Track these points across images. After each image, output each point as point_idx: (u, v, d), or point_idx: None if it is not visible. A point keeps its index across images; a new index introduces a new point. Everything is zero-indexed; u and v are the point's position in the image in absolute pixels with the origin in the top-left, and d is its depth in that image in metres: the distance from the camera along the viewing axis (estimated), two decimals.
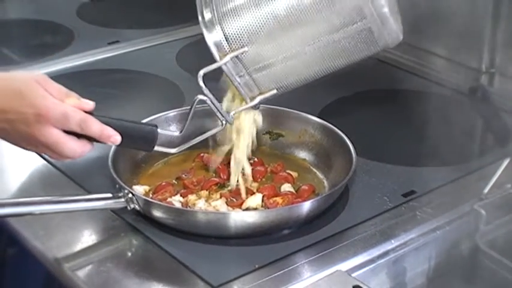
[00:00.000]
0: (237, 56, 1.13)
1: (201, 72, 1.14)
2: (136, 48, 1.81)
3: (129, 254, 1.12)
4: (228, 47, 1.13)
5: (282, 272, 1.06)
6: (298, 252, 1.10)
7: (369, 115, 1.50)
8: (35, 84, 1.07)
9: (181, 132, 1.20)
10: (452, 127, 1.43)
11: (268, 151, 1.34)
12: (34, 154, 1.33)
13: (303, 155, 1.32)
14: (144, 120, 1.27)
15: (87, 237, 1.15)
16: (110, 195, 1.15)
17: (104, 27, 1.94)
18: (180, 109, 1.35)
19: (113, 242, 1.14)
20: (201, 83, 1.14)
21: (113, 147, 1.22)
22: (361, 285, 1.02)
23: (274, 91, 1.17)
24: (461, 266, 1.20)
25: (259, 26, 1.12)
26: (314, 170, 1.30)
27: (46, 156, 1.33)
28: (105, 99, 1.46)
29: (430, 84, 1.61)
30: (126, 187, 1.15)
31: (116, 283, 1.06)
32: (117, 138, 1.11)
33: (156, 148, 1.16)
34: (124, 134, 1.11)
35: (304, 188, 1.23)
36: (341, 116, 1.45)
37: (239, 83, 1.15)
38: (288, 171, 1.28)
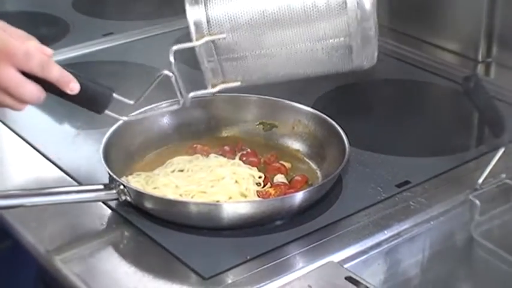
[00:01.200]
0: (213, 41, 1.11)
1: (174, 48, 1.12)
2: (132, 39, 1.80)
3: (121, 245, 1.12)
4: (207, 29, 1.11)
5: (273, 263, 1.06)
6: (290, 243, 1.09)
7: (363, 105, 1.49)
8: None
9: (136, 101, 1.17)
10: (446, 117, 1.42)
11: (262, 142, 1.33)
12: (27, 146, 1.33)
13: (296, 145, 1.32)
14: (139, 111, 1.25)
15: (79, 229, 1.15)
16: (101, 186, 1.14)
17: (99, 18, 1.93)
18: (175, 100, 1.33)
19: (105, 233, 1.13)
20: (171, 59, 1.12)
21: (105, 139, 1.21)
22: (353, 276, 1.01)
23: (238, 83, 1.15)
24: (455, 257, 1.20)
25: (244, 16, 1.10)
26: (307, 160, 1.29)
27: (38, 147, 1.33)
28: None
29: (426, 74, 1.60)
30: (117, 178, 1.14)
31: (107, 275, 1.05)
32: (75, 86, 1.07)
33: (107, 113, 1.13)
34: None
35: (297, 179, 1.22)
36: (335, 106, 1.44)
37: (206, 67, 1.13)
38: (281, 162, 1.27)
